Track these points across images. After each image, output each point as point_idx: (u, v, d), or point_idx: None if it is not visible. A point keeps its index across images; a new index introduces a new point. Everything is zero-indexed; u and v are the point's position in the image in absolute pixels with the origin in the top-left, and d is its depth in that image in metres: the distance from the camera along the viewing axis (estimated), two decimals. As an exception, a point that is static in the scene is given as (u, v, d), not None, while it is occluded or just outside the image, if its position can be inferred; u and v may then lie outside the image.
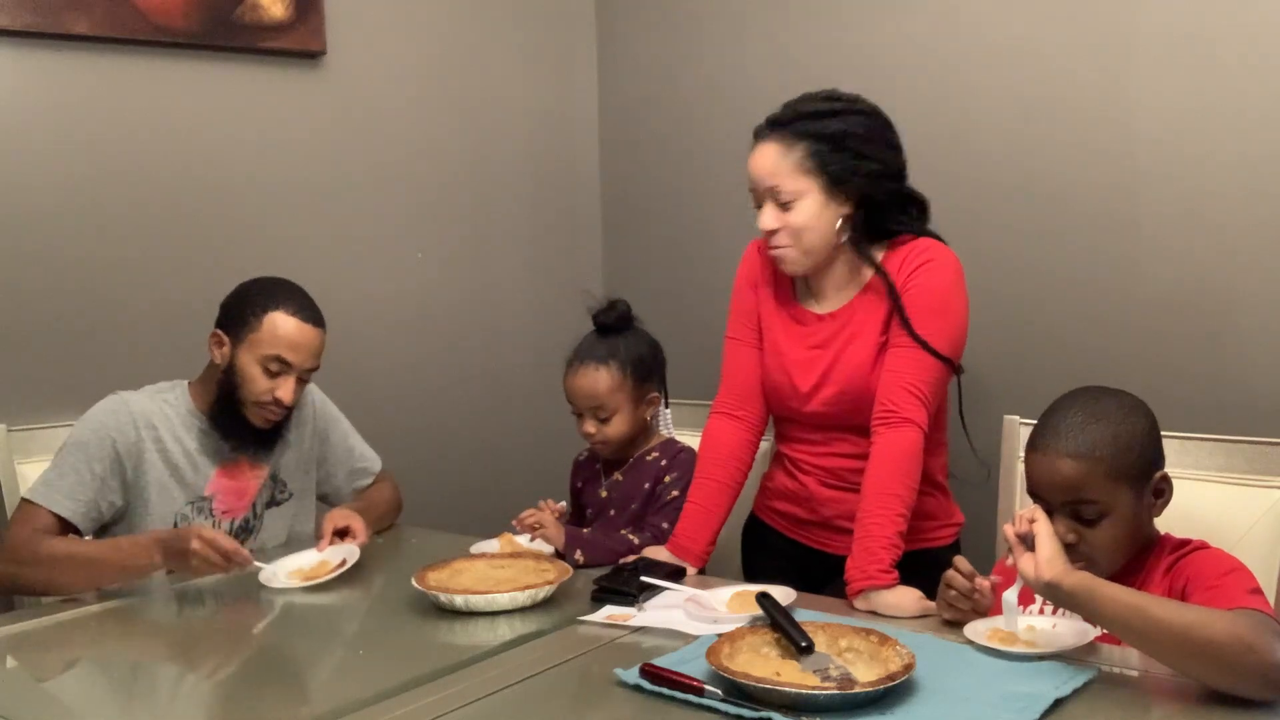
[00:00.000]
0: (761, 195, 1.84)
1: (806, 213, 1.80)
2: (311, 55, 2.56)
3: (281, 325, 1.90)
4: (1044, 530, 1.37)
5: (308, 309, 1.94)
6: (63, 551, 1.76)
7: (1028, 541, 1.39)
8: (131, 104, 2.33)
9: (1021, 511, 1.43)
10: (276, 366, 1.90)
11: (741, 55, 2.76)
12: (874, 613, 1.62)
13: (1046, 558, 1.34)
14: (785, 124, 1.81)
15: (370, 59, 2.67)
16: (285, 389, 1.91)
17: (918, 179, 1.89)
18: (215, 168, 2.45)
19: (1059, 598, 1.35)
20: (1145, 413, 1.49)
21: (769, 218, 1.83)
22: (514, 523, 1.98)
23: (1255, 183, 2.08)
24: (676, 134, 2.92)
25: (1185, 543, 1.49)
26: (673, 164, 2.94)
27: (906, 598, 1.63)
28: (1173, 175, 2.16)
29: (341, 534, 1.94)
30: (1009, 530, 1.42)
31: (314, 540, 1.97)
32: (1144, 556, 1.49)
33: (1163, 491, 1.49)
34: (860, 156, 1.79)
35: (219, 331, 1.94)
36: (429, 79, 2.79)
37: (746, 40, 2.75)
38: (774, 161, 1.80)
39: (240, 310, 1.93)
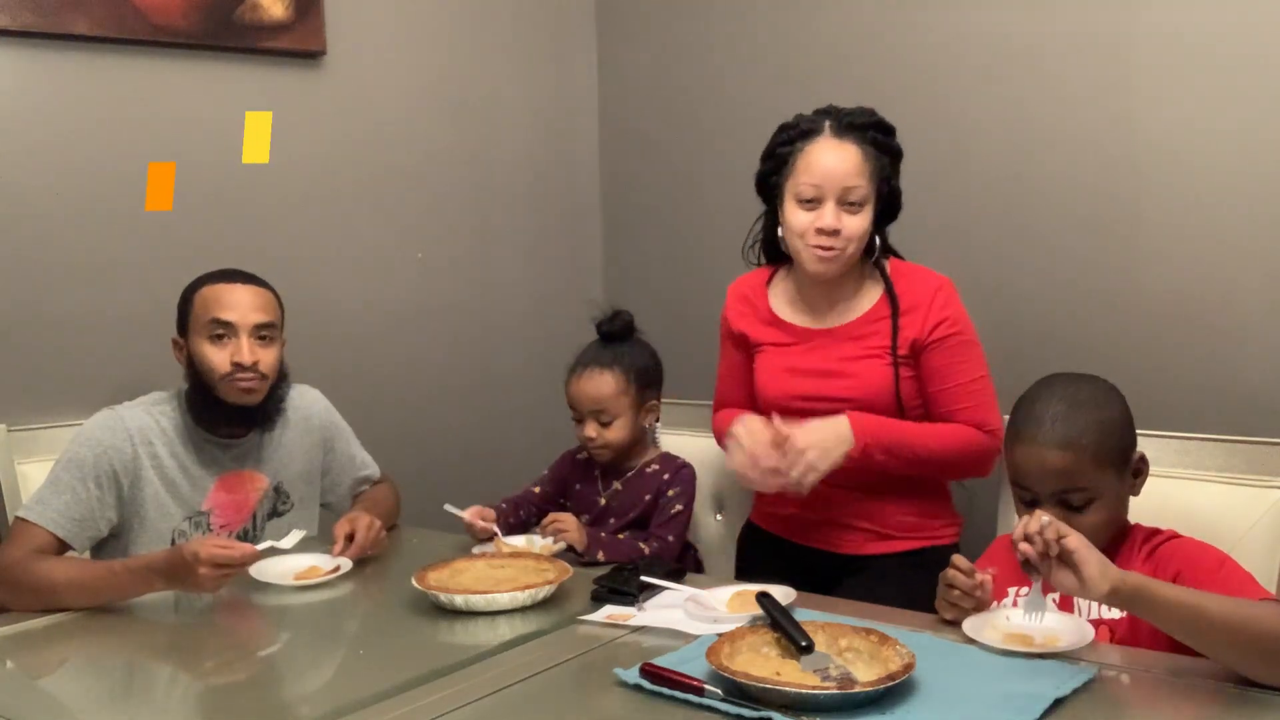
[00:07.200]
0: (826, 192, 1.80)
1: (865, 221, 1.82)
2: (311, 55, 2.55)
3: (209, 293, 1.93)
4: (1081, 542, 1.28)
5: (234, 273, 1.96)
6: (60, 579, 1.73)
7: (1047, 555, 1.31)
8: (131, 104, 2.33)
9: (1027, 525, 1.31)
10: (221, 330, 1.90)
11: (742, 55, 2.76)
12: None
13: (1100, 569, 1.27)
14: (862, 130, 1.82)
15: (370, 59, 2.67)
16: (239, 350, 1.89)
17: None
18: (215, 168, 2.44)
19: (1118, 602, 1.30)
20: (1118, 396, 1.51)
21: (833, 216, 1.80)
22: (538, 528, 2.00)
23: (1256, 183, 2.08)
24: (676, 134, 2.92)
25: (1156, 531, 1.51)
26: (673, 164, 2.93)
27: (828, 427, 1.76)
28: (1173, 175, 2.16)
29: (350, 538, 1.93)
30: (1029, 549, 1.30)
31: (317, 548, 1.96)
32: (1118, 543, 1.51)
33: (1141, 471, 1.52)
34: (896, 176, 1.87)
35: (175, 338, 1.97)
36: (429, 79, 2.78)
37: (747, 40, 2.75)
38: (858, 164, 1.80)
39: (180, 310, 1.96)
